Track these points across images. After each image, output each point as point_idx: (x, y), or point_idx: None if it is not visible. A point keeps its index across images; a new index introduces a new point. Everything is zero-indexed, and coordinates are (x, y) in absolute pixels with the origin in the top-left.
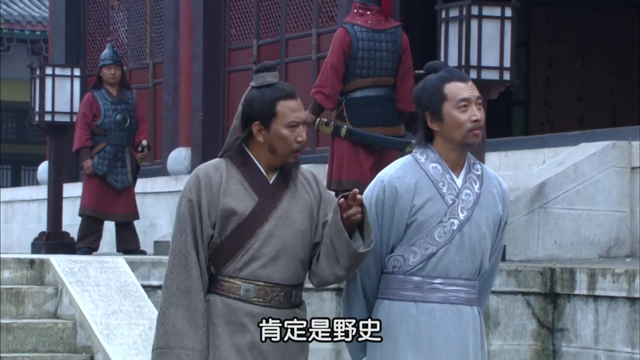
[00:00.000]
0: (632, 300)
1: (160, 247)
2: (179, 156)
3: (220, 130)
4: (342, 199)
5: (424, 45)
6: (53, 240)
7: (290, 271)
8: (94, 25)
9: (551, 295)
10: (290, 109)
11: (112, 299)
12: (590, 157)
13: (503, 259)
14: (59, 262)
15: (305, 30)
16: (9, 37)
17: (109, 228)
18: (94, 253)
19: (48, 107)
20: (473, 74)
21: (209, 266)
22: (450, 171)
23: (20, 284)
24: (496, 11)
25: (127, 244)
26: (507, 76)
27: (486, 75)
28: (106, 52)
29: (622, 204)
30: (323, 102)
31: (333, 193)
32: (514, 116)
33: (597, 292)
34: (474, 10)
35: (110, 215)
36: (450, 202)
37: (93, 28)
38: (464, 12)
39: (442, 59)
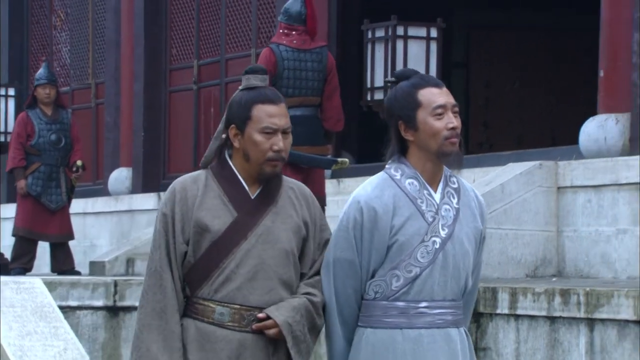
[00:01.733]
0: (551, 319)
1: (95, 267)
2: (120, 176)
3: (161, 150)
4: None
5: (361, 64)
6: None
7: (270, 293)
8: (37, 45)
9: (474, 314)
10: (267, 114)
11: (27, 320)
12: (517, 177)
13: None
14: None
15: (245, 50)
16: None
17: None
18: (27, 274)
19: None
20: None
21: (184, 287)
22: (428, 186)
23: None
24: (422, 32)
25: (62, 264)
26: None
27: None
28: (41, 71)
29: (549, 223)
30: None
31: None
32: None
33: (519, 312)
34: (400, 31)
35: (44, 236)
36: (431, 219)
37: (36, 48)
38: (390, 33)
39: (369, 79)
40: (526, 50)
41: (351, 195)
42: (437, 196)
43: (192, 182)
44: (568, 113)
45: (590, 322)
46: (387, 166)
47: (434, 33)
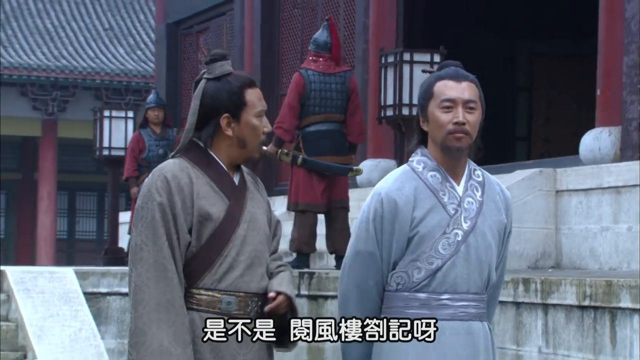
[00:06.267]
0: (517, 304)
1: None
2: None
3: (273, 165)
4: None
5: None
6: (111, 254)
7: (263, 279)
8: (187, 76)
9: None
10: (257, 98)
11: (52, 304)
12: (519, 182)
13: None
14: (12, 273)
15: None
16: (74, 84)
17: None
18: None
19: (105, 143)
20: (406, 111)
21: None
22: (450, 178)
23: None
24: (426, 57)
25: None
26: None
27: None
28: (151, 97)
29: (548, 222)
30: (282, 135)
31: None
32: (518, 149)
33: None
34: (406, 57)
35: None
36: (453, 211)
37: (187, 79)
38: (398, 58)
39: (382, 98)
40: (581, 76)
41: (374, 189)
42: (459, 189)
43: (180, 170)
44: None
45: (545, 307)
46: (410, 159)
47: (437, 58)
